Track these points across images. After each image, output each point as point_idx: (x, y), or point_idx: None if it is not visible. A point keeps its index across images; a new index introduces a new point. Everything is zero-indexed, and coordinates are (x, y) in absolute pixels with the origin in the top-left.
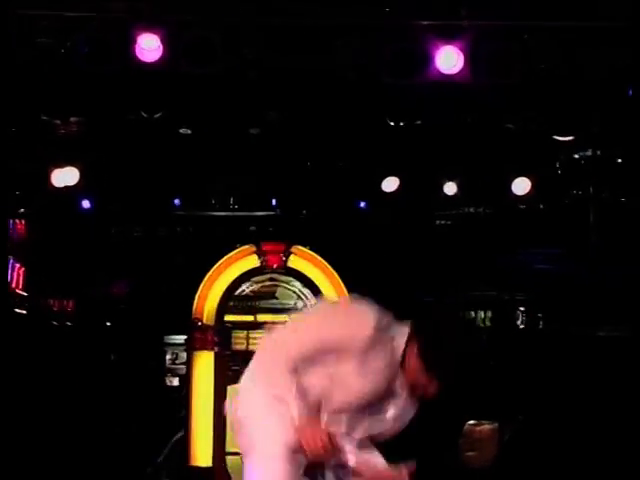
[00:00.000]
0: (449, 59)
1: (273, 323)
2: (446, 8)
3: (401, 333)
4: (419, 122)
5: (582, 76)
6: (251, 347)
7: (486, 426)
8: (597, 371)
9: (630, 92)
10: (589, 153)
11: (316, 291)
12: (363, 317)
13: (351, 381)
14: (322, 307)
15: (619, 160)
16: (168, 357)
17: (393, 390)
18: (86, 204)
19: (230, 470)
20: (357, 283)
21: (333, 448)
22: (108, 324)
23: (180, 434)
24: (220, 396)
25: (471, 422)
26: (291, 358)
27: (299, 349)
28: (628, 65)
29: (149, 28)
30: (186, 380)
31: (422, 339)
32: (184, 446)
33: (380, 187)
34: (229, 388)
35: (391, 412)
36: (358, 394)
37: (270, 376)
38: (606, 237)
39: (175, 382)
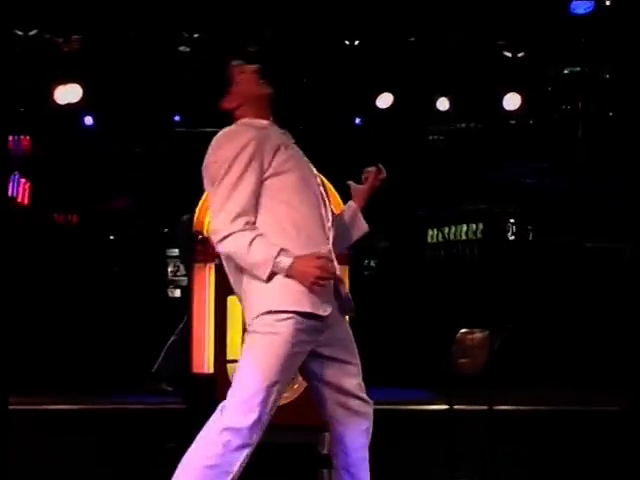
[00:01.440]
0: None
1: None
2: None
3: None
4: (412, 39)
5: None
6: None
7: (478, 334)
8: (584, 280)
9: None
10: (578, 69)
11: None
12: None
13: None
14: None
15: (607, 76)
16: (170, 269)
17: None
18: (89, 121)
19: (231, 377)
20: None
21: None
22: (111, 237)
23: (173, 338)
24: (221, 306)
25: (463, 330)
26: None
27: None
28: None
29: None
30: (188, 291)
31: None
32: (184, 353)
33: (374, 103)
34: (229, 299)
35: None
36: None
37: None
38: (594, 151)
39: (177, 293)
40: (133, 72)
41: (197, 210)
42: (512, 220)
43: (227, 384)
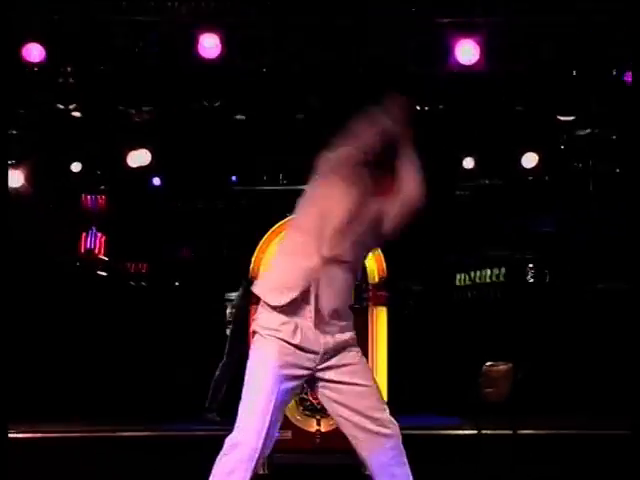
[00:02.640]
0: (467, 51)
1: None
2: (464, 7)
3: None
4: (441, 106)
5: (581, 64)
6: None
7: (502, 366)
8: (596, 318)
9: (624, 78)
10: (588, 131)
11: None
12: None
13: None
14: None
15: (614, 137)
16: (228, 311)
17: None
18: (157, 181)
19: None
20: (390, 244)
21: None
22: (177, 284)
23: (218, 371)
24: None
25: (489, 363)
26: None
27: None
28: (619, 55)
29: (209, 29)
30: (241, 331)
31: None
32: (228, 385)
33: None
34: None
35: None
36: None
37: None
38: (603, 204)
39: None
40: (195, 138)
41: (253, 259)
42: (531, 265)
43: None
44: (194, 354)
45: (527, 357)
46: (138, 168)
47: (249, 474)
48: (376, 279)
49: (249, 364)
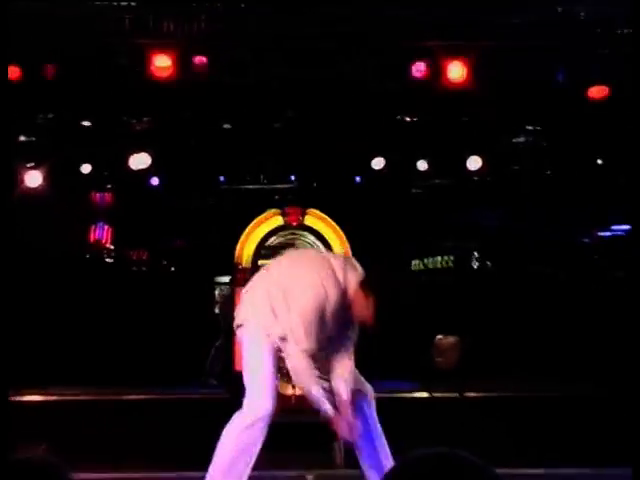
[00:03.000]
0: (422, 70)
1: None
2: (421, 31)
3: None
4: (398, 117)
5: (517, 81)
6: None
7: (450, 339)
8: (530, 295)
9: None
10: (523, 139)
11: (325, 242)
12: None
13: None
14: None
15: (544, 144)
16: (216, 292)
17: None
18: (155, 181)
19: None
20: (354, 235)
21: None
22: (172, 269)
23: (217, 343)
24: None
25: (439, 336)
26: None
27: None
28: (552, 75)
29: (200, 50)
30: (229, 309)
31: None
32: (227, 355)
33: (370, 165)
34: None
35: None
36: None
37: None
38: (536, 200)
39: None
40: (188, 144)
41: (237, 247)
42: (475, 253)
43: None
44: (187, 329)
45: (473, 331)
46: (139, 170)
47: (265, 429)
48: None
49: (245, 350)
